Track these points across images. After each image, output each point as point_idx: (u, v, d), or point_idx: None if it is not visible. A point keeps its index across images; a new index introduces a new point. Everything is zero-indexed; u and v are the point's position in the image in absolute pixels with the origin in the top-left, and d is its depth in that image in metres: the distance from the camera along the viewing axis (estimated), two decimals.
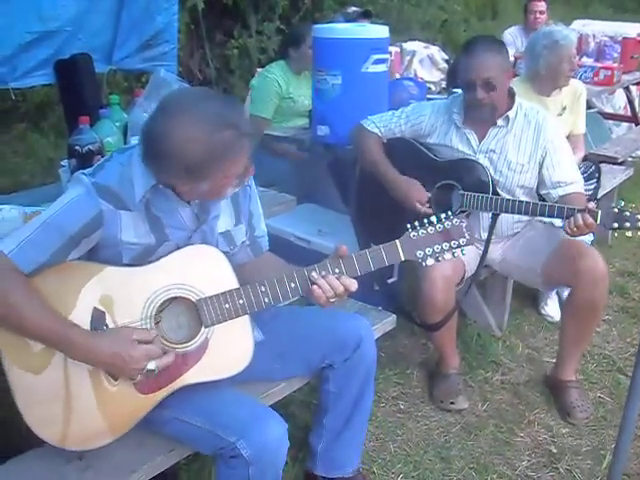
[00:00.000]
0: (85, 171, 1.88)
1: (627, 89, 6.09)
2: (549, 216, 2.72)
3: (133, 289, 1.85)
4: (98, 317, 1.80)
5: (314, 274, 1.91)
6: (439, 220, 1.96)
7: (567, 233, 2.65)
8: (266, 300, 1.91)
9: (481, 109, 2.85)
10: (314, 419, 2.39)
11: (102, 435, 1.83)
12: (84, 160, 2.50)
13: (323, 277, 1.91)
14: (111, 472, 1.82)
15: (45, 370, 1.77)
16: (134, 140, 2.73)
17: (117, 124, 2.79)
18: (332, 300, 1.92)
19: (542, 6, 5.93)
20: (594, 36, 5.93)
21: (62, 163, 2.70)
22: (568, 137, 3.90)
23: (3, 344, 1.74)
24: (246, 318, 1.95)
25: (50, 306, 1.73)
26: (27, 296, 1.71)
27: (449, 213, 1.98)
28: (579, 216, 2.57)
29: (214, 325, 1.89)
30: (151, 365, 1.78)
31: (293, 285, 1.92)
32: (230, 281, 1.92)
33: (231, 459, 1.83)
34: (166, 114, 1.75)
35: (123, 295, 1.83)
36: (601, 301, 2.82)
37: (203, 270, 1.91)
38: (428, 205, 2.93)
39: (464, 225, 1.97)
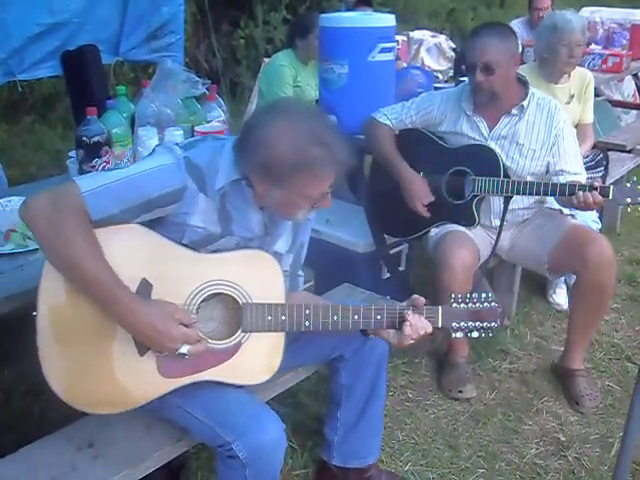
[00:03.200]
0: (177, 142, 1.88)
1: (636, 76, 6.05)
2: (560, 194, 2.72)
3: (187, 273, 1.84)
4: (144, 288, 1.78)
5: (409, 313, 1.96)
6: (479, 299, 2.04)
7: (575, 208, 2.69)
8: (307, 324, 1.93)
9: (481, 93, 2.85)
10: (327, 411, 2.39)
11: (110, 403, 1.82)
12: (92, 151, 2.52)
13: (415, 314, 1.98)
14: (120, 460, 1.83)
15: (77, 322, 1.75)
16: (143, 130, 2.74)
17: (124, 115, 2.79)
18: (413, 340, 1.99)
19: (547, 3, 5.87)
20: (602, 23, 5.89)
21: (70, 154, 2.71)
22: (576, 126, 3.89)
23: (45, 288, 1.72)
24: (282, 335, 1.95)
25: (104, 258, 1.69)
26: (87, 240, 1.67)
27: (489, 295, 2.06)
28: (588, 194, 2.59)
29: (251, 332, 1.90)
30: (184, 349, 1.77)
31: (356, 317, 1.96)
32: (279, 295, 1.93)
33: (229, 459, 1.83)
34: (275, 112, 1.79)
35: (175, 275, 1.82)
36: (609, 286, 2.82)
37: (258, 276, 1.91)
38: (427, 209, 2.94)
39: (499, 311, 2.06)
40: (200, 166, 1.83)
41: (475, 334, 2.05)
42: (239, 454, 1.80)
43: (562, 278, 3.54)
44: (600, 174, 3.97)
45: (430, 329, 1.99)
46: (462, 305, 2.03)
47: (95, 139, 2.55)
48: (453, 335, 2.05)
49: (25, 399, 1.74)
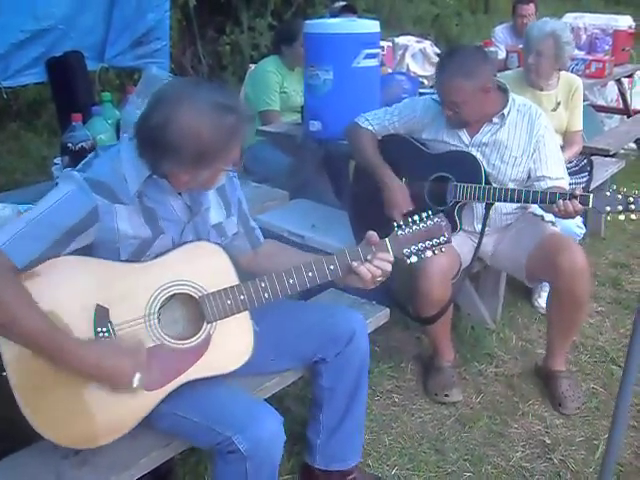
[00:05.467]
0: (74, 169, 1.88)
1: (619, 81, 6.11)
2: (541, 202, 2.73)
3: (136, 285, 1.85)
4: (102, 313, 1.79)
5: (354, 263, 1.98)
6: (421, 219, 2.05)
7: (556, 215, 2.70)
8: (266, 295, 1.95)
9: (452, 121, 2.89)
10: (310, 414, 2.40)
11: (105, 434, 1.82)
12: (77, 158, 2.51)
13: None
14: (107, 467, 1.83)
15: (47, 368, 1.74)
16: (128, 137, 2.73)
17: (109, 121, 2.79)
18: (379, 279, 2.00)
19: (530, 10, 5.90)
20: (586, 29, 5.94)
21: (55, 161, 2.70)
22: (564, 133, 3.92)
23: (4, 345, 1.71)
24: (246, 314, 1.98)
25: (39, 308, 1.69)
26: (17, 295, 1.67)
27: (429, 213, 2.07)
28: (568, 202, 2.60)
29: (216, 321, 1.92)
30: (136, 381, 1.77)
31: (311, 274, 1.97)
32: (231, 277, 1.95)
33: (228, 454, 1.84)
34: (165, 105, 1.77)
35: (126, 291, 1.83)
36: (583, 295, 2.82)
37: (204, 267, 1.93)
38: (404, 217, 2.94)
39: (444, 224, 2.07)
40: (103, 181, 1.83)
41: (429, 253, 2.05)
42: (240, 447, 1.80)
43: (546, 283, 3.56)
44: (584, 179, 3.99)
45: (390, 258, 2.00)
46: (407, 230, 2.04)
47: (80, 145, 2.56)
48: (408, 261, 2.05)
49: (9, 407, 1.73)
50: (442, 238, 2.06)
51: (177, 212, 1.95)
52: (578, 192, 2.63)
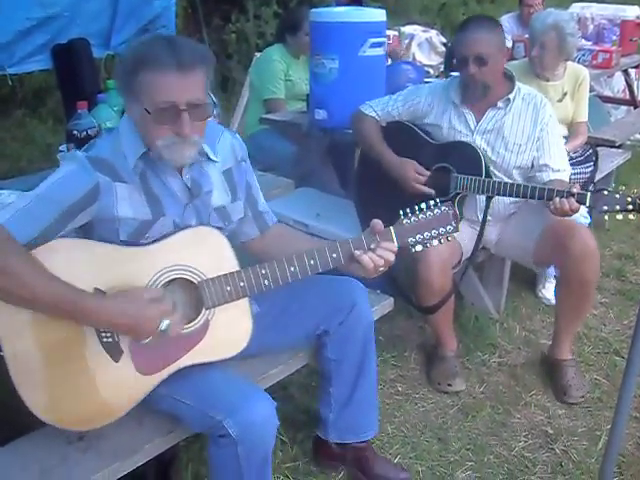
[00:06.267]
0: (78, 149, 1.89)
1: (626, 72, 6.07)
2: (539, 198, 2.71)
3: (135, 269, 1.84)
4: None
5: (357, 252, 1.95)
6: (428, 207, 2.01)
7: (553, 214, 2.68)
8: (266, 282, 1.93)
9: (474, 85, 2.86)
10: (320, 388, 2.39)
11: (101, 416, 1.83)
12: (82, 145, 2.49)
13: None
14: (111, 453, 1.84)
15: (43, 351, 1.75)
16: None
17: (115, 109, 2.79)
18: (381, 269, 1.97)
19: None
20: (593, 19, 5.90)
21: (60, 148, 2.70)
22: (570, 124, 3.91)
23: (0, 327, 1.72)
24: (245, 300, 1.98)
25: (50, 273, 1.70)
26: (29, 263, 1.68)
27: (437, 201, 2.03)
28: (565, 201, 2.59)
29: (215, 307, 1.91)
30: (163, 325, 1.78)
31: (312, 262, 1.95)
32: (231, 263, 1.95)
33: (220, 438, 1.84)
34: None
35: (125, 275, 1.82)
36: (593, 278, 2.83)
37: (205, 252, 1.92)
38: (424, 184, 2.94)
39: (451, 213, 2.02)
40: (104, 158, 1.85)
41: (435, 242, 2.02)
42: (230, 430, 1.80)
43: (552, 273, 3.56)
44: (589, 169, 3.98)
45: (394, 248, 1.97)
46: (413, 219, 2.00)
47: (86, 133, 2.56)
48: (413, 250, 2.02)
49: (15, 393, 1.75)
50: (449, 227, 2.02)
51: (177, 192, 1.95)
52: (576, 190, 2.61)
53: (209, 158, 2.00)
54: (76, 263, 1.79)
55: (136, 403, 1.86)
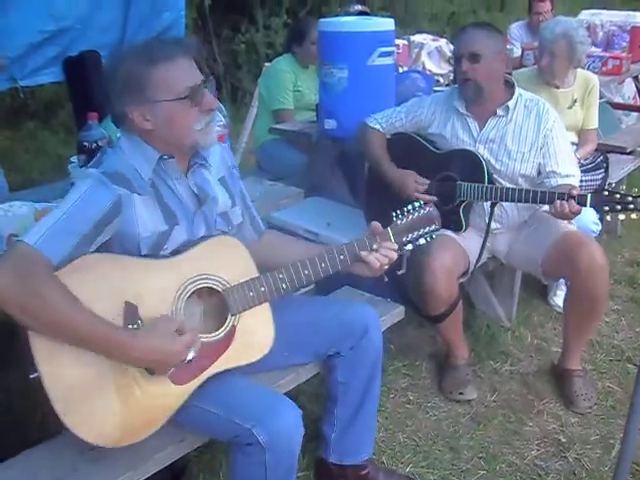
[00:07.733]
0: (86, 166, 1.91)
1: (636, 78, 6.05)
2: (541, 202, 2.71)
3: (163, 281, 1.86)
4: (131, 310, 1.79)
5: (363, 253, 2.05)
6: (414, 208, 2.16)
7: (555, 217, 2.69)
8: (284, 286, 2.00)
9: (467, 84, 2.86)
10: (325, 408, 2.40)
11: (143, 428, 1.83)
12: (93, 156, 2.50)
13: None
14: (122, 462, 1.84)
15: (79, 370, 1.74)
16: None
17: None
18: (385, 267, 2.07)
19: (547, 7, 5.87)
20: (602, 25, 5.90)
21: (71, 159, 2.72)
22: (580, 131, 3.90)
23: (36, 348, 1.69)
24: (267, 304, 2.03)
25: (83, 304, 1.69)
26: (64, 296, 1.67)
27: (421, 202, 2.17)
28: (564, 203, 2.58)
29: (239, 313, 1.96)
30: (190, 355, 1.80)
31: (324, 265, 2.04)
32: (251, 270, 2.01)
33: (247, 446, 1.85)
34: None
35: (153, 288, 1.84)
36: (601, 293, 2.81)
37: (226, 260, 1.97)
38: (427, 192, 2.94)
39: (435, 214, 2.16)
40: (120, 171, 1.87)
41: (422, 241, 2.15)
42: (259, 438, 1.81)
43: (563, 280, 3.54)
44: (600, 176, 3.97)
45: (394, 246, 2.09)
46: (404, 220, 2.14)
47: (96, 144, 2.57)
48: (405, 249, 2.14)
49: (27, 403, 1.75)
50: (433, 226, 2.16)
51: (186, 199, 1.98)
52: (575, 192, 2.60)
53: (206, 162, 2.05)
54: (103, 278, 1.79)
55: (171, 415, 1.86)
